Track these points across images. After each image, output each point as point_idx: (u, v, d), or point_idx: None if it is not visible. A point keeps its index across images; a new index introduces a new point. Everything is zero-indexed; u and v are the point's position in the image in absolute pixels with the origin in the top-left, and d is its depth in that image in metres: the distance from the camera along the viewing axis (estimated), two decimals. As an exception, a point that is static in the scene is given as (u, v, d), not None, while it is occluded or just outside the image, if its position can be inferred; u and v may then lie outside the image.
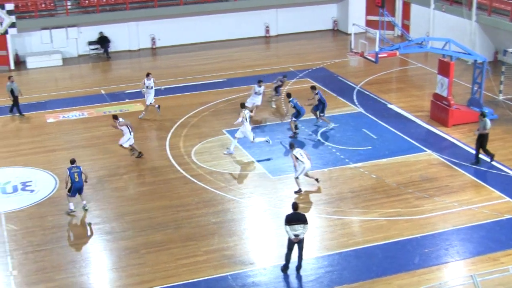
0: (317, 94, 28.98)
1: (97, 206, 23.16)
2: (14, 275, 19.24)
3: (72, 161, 22.89)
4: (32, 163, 26.35)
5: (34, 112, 32.10)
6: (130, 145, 26.46)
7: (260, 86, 30.19)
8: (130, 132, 26.27)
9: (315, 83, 34.09)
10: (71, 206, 22.69)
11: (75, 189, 22.56)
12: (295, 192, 23.68)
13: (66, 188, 22.88)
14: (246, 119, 26.63)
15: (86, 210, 22.83)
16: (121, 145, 26.46)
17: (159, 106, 30.68)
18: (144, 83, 30.57)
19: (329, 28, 46.86)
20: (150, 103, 30.67)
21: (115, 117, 26.65)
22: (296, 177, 23.69)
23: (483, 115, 25.30)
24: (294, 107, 28.43)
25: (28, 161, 26.61)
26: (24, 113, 31.70)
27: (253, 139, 26.70)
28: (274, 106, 31.68)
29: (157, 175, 25.36)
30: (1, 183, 24.85)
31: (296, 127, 28.58)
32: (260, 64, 39.26)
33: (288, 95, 28.98)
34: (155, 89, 30.80)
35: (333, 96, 33.05)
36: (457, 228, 21.27)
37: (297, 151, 23.54)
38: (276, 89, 31.82)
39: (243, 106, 27.53)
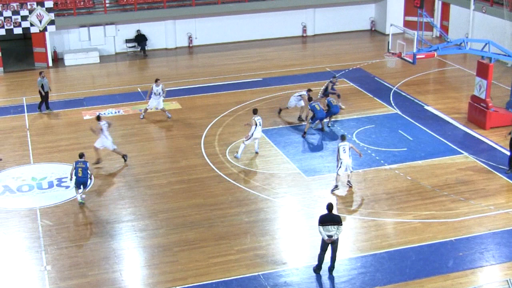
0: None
1: (132, 203, 23.30)
2: (48, 270, 19.43)
3: (81, 155, 23.21)
4: (68, 159, 26.59)
5: (71, 109, 32.42)
6: (113, 149, 26.35)
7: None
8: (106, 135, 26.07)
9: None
10: (79, 198, 22.99)
11: (78, 183, 22.88)
12: (332, 190, 23.65)
13: (70, 180, 23.28)
14: (258, 124, 26.33)
15: (81, 203, 23.03)
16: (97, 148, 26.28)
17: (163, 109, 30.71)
18: (152, 89, 30.29)
19: (366, 28, 46.59)
20: (151, 108, 30.60)
21: (98, 118, 26.45)
22: (336, 172, 23.71)
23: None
24: (312, 110, 28.34)
25: (64, 158, 26.88)
26: (52, 109, 32.03)
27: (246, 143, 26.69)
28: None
29: (191, 173, 25.43)
30: (37, 178, 25.15)
31: (305, 132, 28.58)
32: (296, 64, 39.18)
33: (309, 99, 28.84)
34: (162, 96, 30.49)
35: (369, 97, 32.86)
36: (492, 232, 20.99)
37: (342, 145, 23.53)
38: (325, 91, 31.11)
39: (255, 112, 26.98)
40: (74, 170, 22.84)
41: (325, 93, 30.93)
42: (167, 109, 31.08)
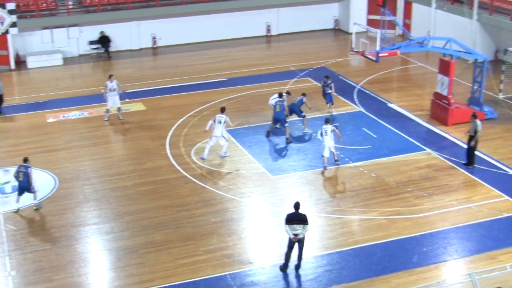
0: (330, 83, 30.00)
1: (97, 206, 23.17)
2: (12, 276, 19.22)
3: (24, 160, 22.89)
4: (32, 163, 26.11)
5: (34, 112, 32.12)
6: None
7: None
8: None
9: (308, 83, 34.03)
10: (19, 204, 22.77)
11: (19, 188, 22.61)
12: (322, 172, 25.08)
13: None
14: (217, 122, 26.18)
15: (36, 209, 22.82)
16: None
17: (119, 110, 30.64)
18: (107, 86, 30.12)
19: (330, 27, 46.85)
20: (112, 107, 30.47)
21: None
22: (322, 155, 25.11)
23: (474, 116, 25.16)
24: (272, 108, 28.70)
25: (28, 161, 26.63)
26: (5, 114, 31.62)
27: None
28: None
29: (157, 175, 25.37)
30: (0, 183, 24.87)
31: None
32: (261, 63, 39.26)
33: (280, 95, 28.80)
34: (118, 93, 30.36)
35: (333, 95, 32.99)
36: (456, 226, 21.29)
37: (324, 128, 25.00)
38: (324, 95, 30.83)
39: (222, 110, 26.78)
40: (16, 174, 22.56)
41: (324, 95, 30.88)
42: (131, 110, 30.94)
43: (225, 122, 26.26)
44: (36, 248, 20.62)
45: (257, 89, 34.05)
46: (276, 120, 28.01)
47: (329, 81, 30.62)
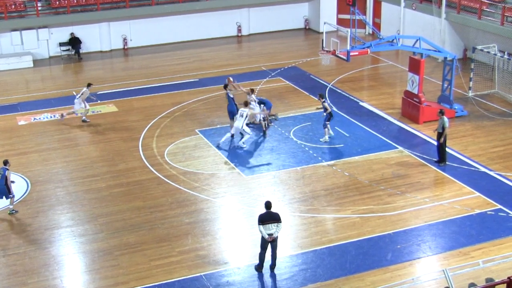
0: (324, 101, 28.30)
1: (70, 208, 23.04)
2: (-14, 280, 19.12)
3: (5, 162, 22.64)
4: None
5: (4, 114, 31.83)
6: None
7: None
8: None
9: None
10: None
11: None
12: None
13: None
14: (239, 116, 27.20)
15: (9, 213, 22.66)
16: None
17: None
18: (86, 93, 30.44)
19: (300, 27, 47.04)
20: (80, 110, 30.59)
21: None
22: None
23: (441, 113, 25.40)
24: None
25: (-1, 164, 26.39)
26: None
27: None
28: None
29: (130, 176, 25.28)
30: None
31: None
32: (232, 63, 39.30)
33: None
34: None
35: (305, 95, 33.21)
36: (428, 223, 21.49)
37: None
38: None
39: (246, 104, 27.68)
40: None
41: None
42: (102, 112, 30.80)
43: (247, 116, 26.98)
44: (9, 252, 20.44)
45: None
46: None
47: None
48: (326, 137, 27.74)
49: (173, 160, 26.34)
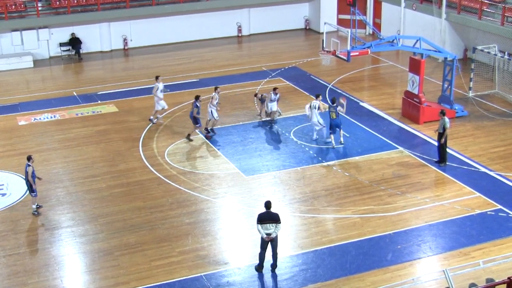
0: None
1: (70, 208, 23.04)
2: (-14, 280, 19.13)
3: (27, 158, 22.54)
4: (4, 166, 26.16)
5: (5, 115, 31.83)
6: None
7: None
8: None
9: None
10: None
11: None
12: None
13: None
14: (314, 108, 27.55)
15: (33, 214, 22.68)
16: None
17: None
18: (158, 88, 30.01)
19: (301, 27, 47.04)
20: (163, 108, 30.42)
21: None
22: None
23: (442, 113, 25.40)
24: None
25: (-1, 165, 26.46)
26: None
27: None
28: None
29: (130, 176, 25.28)
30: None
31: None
32: (233, 64, 39.30)
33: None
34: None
35: (305, 95, 33.19)
36: (429, 224, 21.49)
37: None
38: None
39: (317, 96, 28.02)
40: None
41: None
42: (103, 112, 30.79)
43: (318, 107, 27.36)
44: (9, 252, 20.45)
45: (229, 90, 34.09)
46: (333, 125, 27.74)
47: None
48: (333, 142, 27.41)
49: (173, 160, 26.34)
